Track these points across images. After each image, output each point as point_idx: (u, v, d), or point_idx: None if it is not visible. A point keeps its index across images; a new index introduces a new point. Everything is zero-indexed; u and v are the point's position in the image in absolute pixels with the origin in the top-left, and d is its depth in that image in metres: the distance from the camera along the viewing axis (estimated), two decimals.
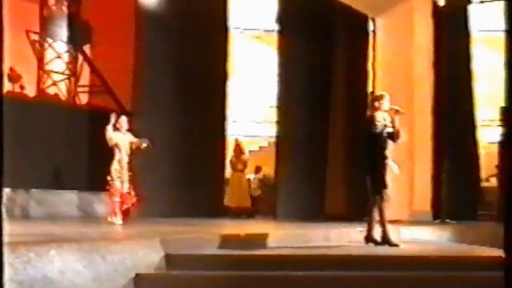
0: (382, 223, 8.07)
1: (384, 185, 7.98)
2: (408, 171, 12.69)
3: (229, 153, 14.64)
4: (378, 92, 8.24)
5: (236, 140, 14.98)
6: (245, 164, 14.65)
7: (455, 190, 12.80)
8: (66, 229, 8.65)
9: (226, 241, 7.16)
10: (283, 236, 8.27)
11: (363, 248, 7.94)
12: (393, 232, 8.31)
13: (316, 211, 12.77)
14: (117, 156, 10.47)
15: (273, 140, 14.98)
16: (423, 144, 12.91)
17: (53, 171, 12.51)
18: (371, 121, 8.01)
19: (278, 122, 14.03)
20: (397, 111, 8.06)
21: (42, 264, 4.97)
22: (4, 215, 2.22)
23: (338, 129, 13.34)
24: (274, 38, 15.07)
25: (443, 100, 13.09)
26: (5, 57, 2.30)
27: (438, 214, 12.72)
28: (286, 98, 13.78)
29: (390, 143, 8.03)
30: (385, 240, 8.05)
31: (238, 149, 14.64)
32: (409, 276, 6.10)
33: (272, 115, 14.88)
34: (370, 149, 8.05)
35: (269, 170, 15.03)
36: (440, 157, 13.00)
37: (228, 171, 14.59)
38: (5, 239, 2.25)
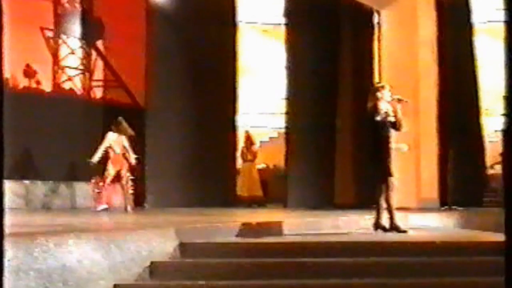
0: (390, 210, 8.06)
1: (389, 174, 7.98)
2: (415, 160, 12.67)
3: (240, 144, 14.65)
4: (378, 83, 8.25)
5: (246, 131, 14.97)
6: (255, 155, 14.66)
7: (461, 177, 12.77)
8: (83, 220, 8.69)
9: (239, 229, 7.17)
10: (294, 224, 8.25)
11: (372, 235, 7.93)
12: (400, 219, 8.30)
13: (325, 200, 12.77)
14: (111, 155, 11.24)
15: (282, 131, 14.97)
16: (429, 133, 12.87)
17: (70, 164, 12.56)
18: (374, 111, 8.02)
19: (287, 114, 14.03)
20: (399, 100, 8.09)
21: (60, 253, 5.01)
22: (5, 212, 2.22)
23: (346, 119, 13.32)
24: (281, 31, 15.03)
25: (448, 90, 13.04)
26: (4, 57, 2.30)
27: (444, 201, 12.69)
28: (294, 90, 13.77)
29: (393, 132, 8.05)
30: (394, 227, 8.04)
31: (249, 140, 14.65)
32: (417, 262, 6.11)
33: (281, 106, 14.87)
34: (373, 138, 8.08)
35: (279, 160, 15.03)
36: (446, 146, 12.97)
37: (239, 162, 14.61)
38: (5, 238, 2.25)
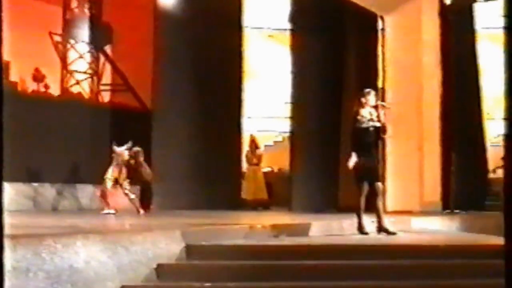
0: (378, 214, 8.12)
1: (376, 179, 8.12)
2: (418, 164, 12.67)
3: (245, 148, 14.64)
4: (365, 89, 8.33)
5: (252, 135, 14.96)
6: (260, 158, 14.64)
7: (464, 181, 12.74)
8: (90, 221, 8.70)
9: (244, 232, 7.19)
10: (298, 227, 8.28)
11: (374, 238, 7.94)
12: (403, 222, 8.33)
13: (330, 203, 12.74)
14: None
15: (287, 135, 14.96)
16: (432, 137, 12.87)
17: (77, 166, 12.58)
18: (357, 116, 8.10)
19: (292, 118, 14.00)
20: (383, 106, 8.18)
21: (68, 254, 5.02)
22: (4, 213, 2.23)
23: (350, 124, 13.28)
24: (287, 36, 15.03)
25: (451, 94, 13.02)
26: (4, 57, 2.31)
27: (447, 205, 12.67)
28: (299, 95, 13.75)
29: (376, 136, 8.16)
30: (383, 230, 8.10)
31: (253, 144, 14.63)
32: (419, 265, 6.10)
33: (286, 111, 14.85)
34: (357, 143, 8.14)
35: (283, 164, 15.01)
36: (449, 149, 12.95)
37: (244, 165, 14.60)
38: (5, 238, 2.26)
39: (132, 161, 11.60)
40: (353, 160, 8.03)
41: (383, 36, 13.37)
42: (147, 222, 9.29)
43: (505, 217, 2.18)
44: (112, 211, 11.09)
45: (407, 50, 12.93)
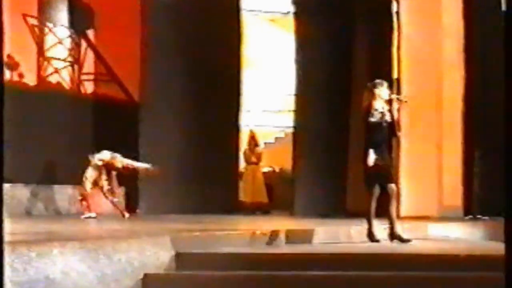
0: (390, 219, 8.14)
1: (389, 180, 8.14)
2: (437, 163, 12.66)
3: (243, 145, 14.66)
4: (376, 80, 8.32)
5: (250, 131, 14.99)
6: (259, 157, 14.67)
7: (488, 183, 12.71)
8: (68, 227, 8.71)
9: (241, 239, 7.19)
10: (301, 234, 8.29)
11: (387, 246, 7.94)
12: (419, 228, 8.33)
13: (336, 207, 12.75)
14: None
15: (290, 130, 14.97)
16: (453, 133, 12.85)
17: (55, 165, 12.57)
18: (369, 110, 8.09)
19: (295, 112, 14.00)
20: (398, 100, 8.23)
21: (43, 264, 5.01)
22: (5, 214, 2.24)
23: (362, 118, 13.27)
24: (290, 21, 15.02)
25: (475, 86, 12.99)
26: (4, 57, 2.30)
27: (469, 210, 12.65)
28: (304, 86, 13.74)
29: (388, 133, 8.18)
30: (396, 237, 8.12)
31: (253, 141, 14.67)
32: (438, 277, 6.07)
33: (289, 104, 14.86)
34: (369, 142, 8.13)
35: (285, 163, 15.02)
36: (472, 148, 12.92)
37: (241, 165, 14.62)
38: (5, 238, 2.27)
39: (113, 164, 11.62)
40: (372, 157, 7.99)
41: (398, 21, 13.35)
42: (133, 227, 9.29)
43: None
44: (93, 214, 11.14)
45: (425, 35, 12.90)
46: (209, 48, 13.52)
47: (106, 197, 11.41)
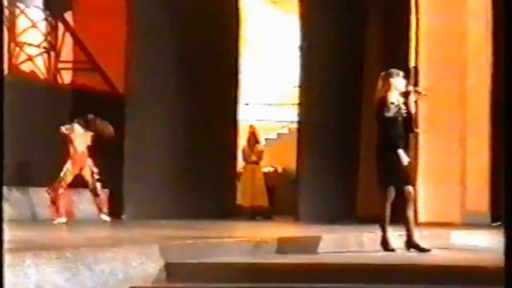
0: (407, 226, 8.17)
1: (407, 182, 8.16)
2: (460, 163, 12.65)
3: (242, 142, 14.67)
4: (391, 70, 8.37)
5: (250, 126, 15.01)
6: (260, 155, 14.68)
7: None
8: (44, 234, 8.68)
9: (238, 247, 7.20)
10: (307, 242, 8.29)
11: (404, 255, 7.93)
12: (441, 236, 8.33)
13: (346, 212, 12.78)
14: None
15: (294, 126, 14.96)
16: (478, 130, 12.87)
17: (29, 165, 12.54)
18: (383, 103, 8.14)
19: (300, 105, 14.01)
20: (417, 92, 8.32)
21: (15, 277, 4.99)
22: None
23: (374, 113, 13.27)
24: (294, 3, 15.01)
25: (504, 76, 12.97)
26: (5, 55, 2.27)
27: (496, 216, 12.66)
28: (309, 76, 13.75)
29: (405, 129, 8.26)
30: (413, 245, 8.14)
31: (252, 137, 14.69)
32: None
33: (293, 96, 14.86)
34: (383, 138, 8.24)
35: (289, 162, 15.03)
36: (499, 146, 12.93)
37: (240, 164, 14.63)
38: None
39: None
40: (404, 157, 8.02)
41: (416, 1, 13.35)
42: (117, 234, 9.29)
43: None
44: (63, 219, 11.29)
45: (447, 18, 12.91)
46: (204, 34, 13.52)
47: (94, 192, 11.59)
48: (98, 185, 11.57)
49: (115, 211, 12.35)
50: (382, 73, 8.46)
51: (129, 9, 13.25)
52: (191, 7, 13.34)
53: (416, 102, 8.34)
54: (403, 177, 8.19)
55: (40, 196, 12.54)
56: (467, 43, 13.03)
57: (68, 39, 14.08)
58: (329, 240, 8.43)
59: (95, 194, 11.61)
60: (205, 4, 13.50)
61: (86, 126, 11.70)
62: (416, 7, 13.36)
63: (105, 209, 11.73)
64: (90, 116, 11.81)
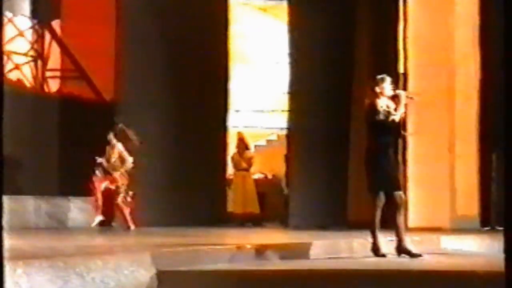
0: (397, 231, 8.22)
1: (396, 187, 8.25)
2: (449, 168, 12.68)
3: (232, 149, 14.67)
4: (380, 76, 8.47)
5: (239, 133, 15.00)
6: (249, 162, 14.68)
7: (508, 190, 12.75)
8: (34, 243, 8.67)
9: (230, 254, 7.21)
10: (297, 248, 8.32)
11: (395, 261, 7.95)
12: (430, 241, 8.36)
13: (336, 218, 12.78)
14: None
15: (283, 132, 14.98)
16: (467, 134, 12.91)
17: (16, 174, 12.50)
18: (372, 108, 8.24)
19: (289, 111, 14.04)
20: (409, 98, 8.49)
21: (6, 286, 4.96)
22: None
23: (362, 119, 13.30)
24: (284, 9, 15.05)
25: (492, 82, 13.03)
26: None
27: (487, 220, 12.71)
28: (299, 82, 13.78)
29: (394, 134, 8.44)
30: (403, 251, 8.18)
31: (242, 144, 14.67)
32: None
33: (283, 103, 14.88)
34: (374, 143, 8.33)
35: (279, 168, 15.04)
36: (488, 151, 12.96)
37: (230, 170, 14.63)
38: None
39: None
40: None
41: (405, 8, 13.39)
42: (108, 242, 9.28)
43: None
44: (100, 218, 11.71)
45: (436, 25, 12.95)
46: (193, 41, 13.51)
47: (127, 203, 11.94)
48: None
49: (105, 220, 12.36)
50: (372, 80, 8.55)
51: (119, 17, 13.26)
52: (180, 15, 13.35)
53: (405, 106, 8.43)
54: (393, 183, 8.27)
55: (28, 204, 12.53)
56: (455, 49, 13.08)
57: (55, 47, 14.05)
58: (320, 246, 8.45)
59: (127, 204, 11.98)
60: (194, 11, 13.50)
61: (116, 136, 12.10)
62: (405, 13, 13.40)
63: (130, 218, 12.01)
64: (120, 125, 12.16)
